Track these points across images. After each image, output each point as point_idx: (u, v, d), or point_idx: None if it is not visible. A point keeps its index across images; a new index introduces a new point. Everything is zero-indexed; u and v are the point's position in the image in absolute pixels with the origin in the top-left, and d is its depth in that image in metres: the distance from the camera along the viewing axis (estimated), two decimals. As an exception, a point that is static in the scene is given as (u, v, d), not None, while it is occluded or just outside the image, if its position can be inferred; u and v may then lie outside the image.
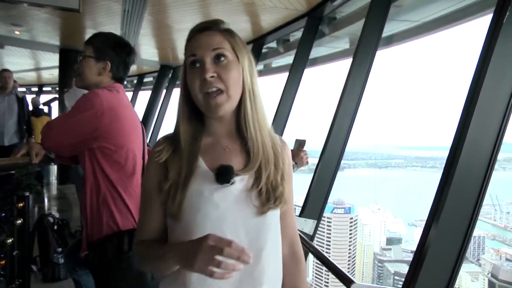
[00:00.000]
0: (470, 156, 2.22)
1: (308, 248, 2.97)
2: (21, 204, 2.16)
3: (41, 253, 3.93)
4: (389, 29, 4.17)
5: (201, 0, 5.21)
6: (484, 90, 2.19)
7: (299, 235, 3.09)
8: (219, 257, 1.00)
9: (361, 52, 3.86)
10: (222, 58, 1.21)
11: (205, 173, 1.22)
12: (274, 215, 1.26)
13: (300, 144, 2.64)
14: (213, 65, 1.20)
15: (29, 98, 7.57)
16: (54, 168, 8.95)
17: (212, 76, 1.18)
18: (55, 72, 10.55)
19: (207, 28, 1.25)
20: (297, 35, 5.90)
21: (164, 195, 1.21)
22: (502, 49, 2.19)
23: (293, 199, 1.41)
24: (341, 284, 2.31)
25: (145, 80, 12.67)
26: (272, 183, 1.25)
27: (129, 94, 11.99)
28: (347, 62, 6.14)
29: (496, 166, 2.28)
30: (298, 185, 2.58)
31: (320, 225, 3.93)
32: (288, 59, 6.88)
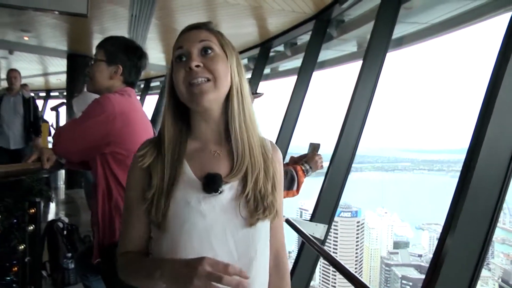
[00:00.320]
0: (488, 159, 2.16)
1: (320, 252, 2.94)
2: (33, 210, 2.14)
3: (51, 258, 3.92)
4: (397, 31, 4.13)
5: (208, 4, 5.20)
6: (503, 90, 2.13)
7: (311, 238, 3.08)
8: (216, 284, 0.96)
9: (371, 54, 3.82)
10: (209, 51, 1.17)
11: (191, 181, 1.16)
12: (264, 226, 1.21)
13: (314, 147, 2.61)
14: (200, 57, 1.16)
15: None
16: (62, 173, 8.96)
17: (197, 66, 1.14)
18: (63, 77, 10.60)
19: (196, 27, 1.22)
20: (304, 38, 5.88)
21: (148, 203, 1.15)
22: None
23: (282, 210, 1.35)
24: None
25: (152, 84, 12.69)
26: (260, 191, 1.19)
27: (136, 99, 11.98)
28: (353, 65, 6.18)
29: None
30: (308, 189, 2.56)
31: (326, 228, 3.90)
32: (295, 62, 6.86)
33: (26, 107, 6.01)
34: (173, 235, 1.13)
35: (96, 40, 7.94)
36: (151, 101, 12.54)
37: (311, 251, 3.76)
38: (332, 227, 4.11)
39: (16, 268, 2.07)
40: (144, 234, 1.21)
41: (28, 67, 11.03)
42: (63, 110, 8.72)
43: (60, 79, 12.18)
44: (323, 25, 5.10)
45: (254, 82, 6.63)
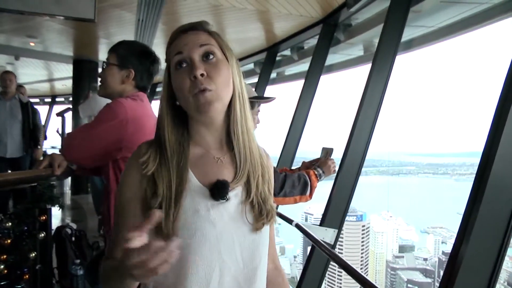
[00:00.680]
0: (505, 162, 2.12)
1: (331, 256, 2.91)
2: (44, 217, 2.12)
3: (59, 265, 3.89)
4: (404, 35, 4.11)
5: (215, 8, 5.19)
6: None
7: (321, 242, 3.05)
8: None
9: (380, 58, 3.79)
10: (211, 56, 1.13)
11: (198, 189, 1.12)
12: (266, 231, 1.19)
13: (327, 152, 2.58)
14: (202, 63, 1.11)
15: (40, 108, 7.55)
16: (67, 179, 8.95)
17: (202, 74, 1.09)
18: (68, 83, 10.61)
19: (192, 28, 1.17)
20: (311, 42, 5.86)
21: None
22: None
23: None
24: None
25: (158, 89, 12.70)
26: (261, 195, 1.18)
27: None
28: (359, 69, 6.16)
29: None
30: (318, 193, 2.53)
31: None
32: (301, 66, 6.84)
33: (25, 112, 5.62)
34: (182, 245, 1.07)
35: (102, 45, 7.98)
36: (156, 106, 12.52)
37: (321, 255, 3.73)
38: (338, 231, 4.08)
39: (27, 276, 2.05)
40: None
41: (34, 73, 11.06)
42: (69, 115, 8.72)
43: (65, 85, 12.20)
44: (330, 29, 5.09)
45: (260, 87, 6.62)
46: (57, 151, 2.22)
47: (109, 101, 2.07)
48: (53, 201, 2.16)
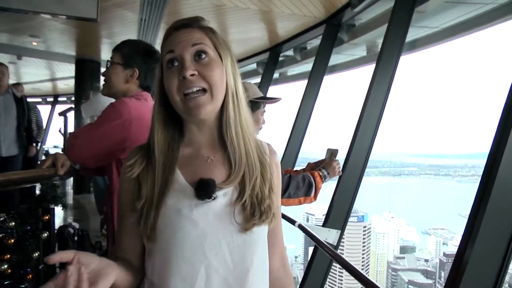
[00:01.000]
0: (511, 165, 2.10)
1: (334, 257, 2.90)
2: (47, 217, 2.11)
3: (61, 264, 3.88)
4: (408, 35, 4.09)
5: (217, 8, 5.18)
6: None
7: (324, 243, 3.04)
8: None
9: (384, 58, 3.78)
10: (203, 55, 1.11)
11: (184, 188, 1.11)
12: (260, 231, 1.15)
13: (332, 153, 2.57)
14: (194, 63, 1.10)
15: (42, 107, 7.53)
16: (70, 178, 8.93)
17: (192, 75, 1.08)
18: (70, 82, 10.61)
19: (186, 25, 1.14)
20: (314, 42, 5.85)
21: (137, 214, 1.09)
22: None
23: (280, 212, 1.31)
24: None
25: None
26: (257, 196, 1.14)
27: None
28: (362, 69, 6.14)
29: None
30: (319, 194, 2.52)
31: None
32: (304, 67, 6.83)
33: (19, 108, 5.29)
34: (165, 245, 1.08)
35: (105, 45, 7.98)
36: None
37: (324, 256, 3.72)
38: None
39: (30, 276, 2.04)
40: (135, 246, 1.16)
41: (36, 72, 11.06)
42: (71, 115, 8.71)
43: (68, 84, 12.20)
44: (333, 29, 5.07)
45: (263, 87, 6.61)
46: (59, 151, 2.20)
47: (112, 100, 2.06)
48: (56, 201, 2.15)
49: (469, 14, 3.99)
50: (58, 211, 2.41)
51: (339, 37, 5.11)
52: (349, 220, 3.99)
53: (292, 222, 3.72)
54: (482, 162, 2.22)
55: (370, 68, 4.04)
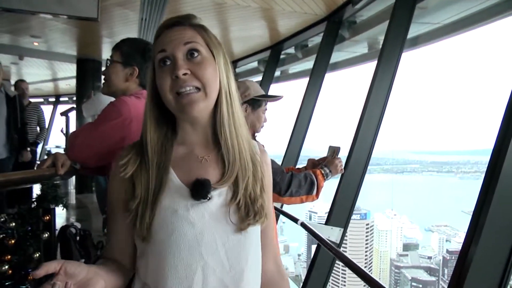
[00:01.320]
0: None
1: (337, 255, 2.89)
2: (47, 217, 2.10)
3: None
4: (409, 31, 4.07)
5: (218, 6, 5.17)
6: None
7: (327, 241, 3.03)
8: None
9: (386, 55, 3.76)
10: (196, 54, 1.10)
11: (179, 188, 1.10)
12: (254, 231, 1.15)
13: (334, 151, 2.55)
14: (186, 62, 1.09)
15: (44, 107, 7.49)
16: (72, 178, 8.94)
17: (185, 74, 1.07)
18: (72, 82, 10.62)
19: (178, 23, 1.14)
20: (315, 40, 5.83)
21: (132, 214, 1.08)
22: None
23: (273, 212, 1.31)
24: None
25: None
26: (250, 195, 1.14)
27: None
28: (364, 66, 6.12)
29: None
30: (322, 191, 2.51)
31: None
32: (306, 64, 6.81)
33: (11, 107, 4.87)
34: (161, 246, 1.06)
35: (106, 45, 7.97)
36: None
37: (327, 254, 3.70)
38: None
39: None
40: (126, 246, 1.15)
41: (38, 73, 11.07)
42: (73, 115, 8.71)
43: (69, 84, 12.20)
44: (335, 26, 5.05)
45: (265, 85, 6.60)
46: (61, 151, 2.19)
47: (113, 99, 2.05)
48: (57, 201, 2.14)
49: (472, 9, 3.95)
50: (60, 210, 2.41)
51: (341, 34, 5.09)
52: (352, 217, 3.97)
53: (295, 220, 3.71)
54: (485, 158, 2.20)
55: (372, 65, 4.02)
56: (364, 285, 2.33)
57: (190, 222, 1.06)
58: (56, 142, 12.15)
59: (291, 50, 6.55)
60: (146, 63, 2.04)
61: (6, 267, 1.89)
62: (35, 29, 6.83)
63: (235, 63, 8.01)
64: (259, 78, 7.16)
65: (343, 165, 2.58)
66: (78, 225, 4.21)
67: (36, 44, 7.80)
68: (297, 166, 3.33)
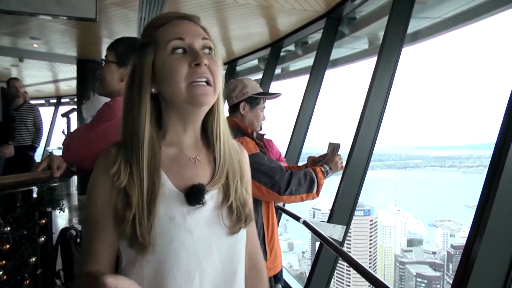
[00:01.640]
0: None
1: (339, 254, 2.87)
2: (44, 221, 2.08)
3: (64, 267, 3.85)
4: (409, 26, 4.04)
5: (217, 5, 5.14)
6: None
7: (329, 239, 3.00)
8: None
9: (386, 50, 3.73)
10: (209, 51, 1.09)
11: (173, 194, 1.06)
12: (243, 232, 1.15)
13: (334, 148, 2.52)
14: (204, 55, 1.07)
15: (45, 109, 7.44)
16: (74, 179, 8.91)
17: (206, 64, 1.06)
18: (73, 84, 10.61)
19: (190, 18, 1.12)
20: (315, 37, 5.79)
21: (127, 224, 1.01)
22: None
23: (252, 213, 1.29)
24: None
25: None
26: (240, 199, 1.13)
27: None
28: (365, 62, 6.08)
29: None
30: (326, 188, 2.48)
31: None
32: (306, 61, 6.77)
33: None
34: (159, 255, 1.02)
35: (106, 45, 7.92)
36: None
37: (330, 253, 3.68)
38: (346, 226, 4.03)
39: (28, 282, 2.00)
40: (111, 258, 1.08)
41: (38, 74, 11.06)
42: (74, 116, 8.71)
43: (70, 85, 12.20)
44: (334, 23, 5.02)
45: (265, 83, 6.58)
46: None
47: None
48: (53, 204, 2.11)
49: (472, 2, 3.92)
50: (62, 212, 2.38)
51: (340, 31, 5.06)
52: (355, 214, 3.95)
53: (297, 218, 3.69)
54: (488, 152, 2.17)
55: (372, 61, 3.99)
56: (369, 285, 2.31)
57: (188, 230, 1.04)
58: (58, 143, 12.16)
59: (291, 48, 6.52)
60: None
61: (1, 272, 1.87)
62: (34, 31, 6.81)
63: (235, 61, 7.99)
64: (259, 76, 7.13)
65: (344, 162, 2.56)
66: (79, 227, 4.19)
67: (35, 45, 7.79)
68: (298, 164, 3.31)
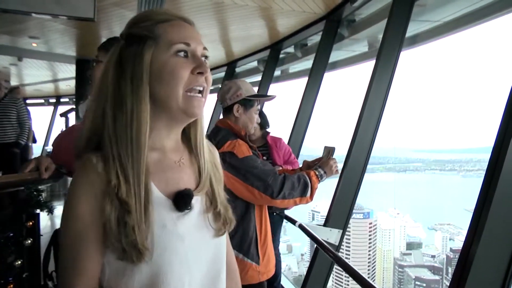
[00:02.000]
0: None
1: (335, 259, 2.84)
2: (31, 223, 2.04)
3: (57, 268, 3.82)
4: (408, 29, 4.02)
5: (216, 6, 5.12)
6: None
7: (325, 244, 2.97)
8: None
9: (384, 53, 3.70)
10: (205, 60, 1.06)
11: (161, 200, 1.02)
12: (226, 234, 1.16)
13: (329, 151, 2.48)
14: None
15: (44, 108, 7.40)
16: (70, 179, 8.89)
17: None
18: (72, 83, 10.60)
19: (190, 23, 1.09)
20: (314, 39, 5.77)
21: (124, 233, 0.95)
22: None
23: None
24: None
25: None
26: (223, 203, 1.12)
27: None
28: (364, 65, 6.05)
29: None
30: (320, 190, 2.45)
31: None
32: (305, 64, 6.75)
33: None
34: (152, 265, 0.98)
35: (105, 44, 7.94)
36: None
37: (326, 257, 3.64)
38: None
39: (12, 286, 1.95)
40: (98, 271, 1.01)
41: (38, 74, 11.05)
42: (72, 116, 8.70)
43: (69, 85, 12.19)
44: (334, 25, 5.00)
45: (264, 85, 6.56)
46: None
47: None
48: (41, 206, 2.07)
49: (472, 6, 3.89)
50: (59, 212, 2.34)
51: (340, 33, 5.04)
52: (355, 217, 3.91)
53: (293, 222, 3.65)
54: (487, 156, 2.15)
55: (371, 64, 3.97)
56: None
57: (180, 237, 1.02)
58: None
59: (291, 49, 6.50)
60: None
61: (-17, 276, 1.82)
62: (33, 30, 6.80)
63: (234, 63, 7.97)
64: (258, 78, 7.11)
65: (339, 166, 2.52)
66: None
67: (35, 45, 7.77)
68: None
